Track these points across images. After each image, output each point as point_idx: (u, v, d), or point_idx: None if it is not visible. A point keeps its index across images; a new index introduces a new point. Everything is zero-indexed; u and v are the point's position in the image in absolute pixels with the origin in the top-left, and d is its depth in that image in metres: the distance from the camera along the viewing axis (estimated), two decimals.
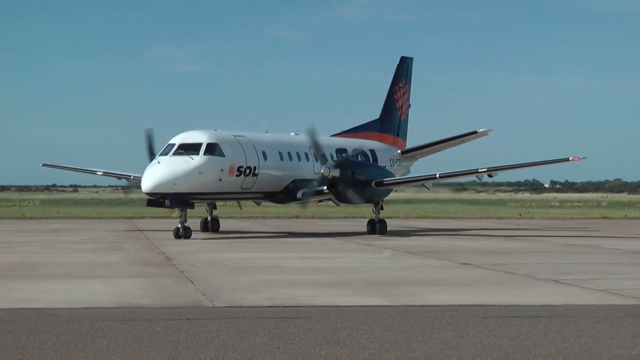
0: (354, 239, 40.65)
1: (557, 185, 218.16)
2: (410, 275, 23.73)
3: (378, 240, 39.67)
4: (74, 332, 13.89)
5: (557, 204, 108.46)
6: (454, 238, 41.81)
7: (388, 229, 43.96)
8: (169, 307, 17.12)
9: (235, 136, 41.82)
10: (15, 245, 34.92)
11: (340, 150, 46.03)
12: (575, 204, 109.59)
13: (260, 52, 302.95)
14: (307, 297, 18.79)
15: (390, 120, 54.72)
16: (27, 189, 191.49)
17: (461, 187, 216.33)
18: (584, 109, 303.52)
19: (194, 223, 42.58)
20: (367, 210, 49.10)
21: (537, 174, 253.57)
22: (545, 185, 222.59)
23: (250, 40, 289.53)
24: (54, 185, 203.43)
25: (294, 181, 43.22)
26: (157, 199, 38.69)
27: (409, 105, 56.29)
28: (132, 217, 61.13)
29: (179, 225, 38.59)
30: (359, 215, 60.12)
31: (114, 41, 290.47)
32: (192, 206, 40.15)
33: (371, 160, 48.74)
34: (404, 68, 55.87)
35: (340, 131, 51.83)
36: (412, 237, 42.08)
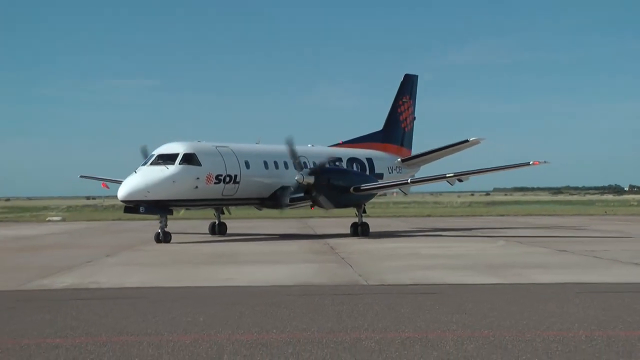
0: (476, 232, 40.25)
1: (635, 189, 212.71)
2: (520, 260, 23.36)
3: (495, 233, 39.12)
4: (264, 304, 14.13)
5: (635, 203, 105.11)
6: (553, 231, 40.95)
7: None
8: (334, 285, 17.24)
9: (217, 147, 35.61)
10: (218, 239, 35.55)
11: (332, 160, 39.74)
12: None
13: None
14: (440, 277, 18.66)
15: (394, 131, 48.05)
16: None
17: (557, 191, 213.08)
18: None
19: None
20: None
21: (618, 179, 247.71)
22: (625, 189, 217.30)
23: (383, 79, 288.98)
24: None
25: (281, 188, 36.66)
26: (133, 206, 32.59)
27: (414, 118, 49.89)
28: (303, 217, 61.37)
29: (159, 230, 32.70)
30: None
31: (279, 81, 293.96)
32: (170, 212, 33.74)
33: (367, 168, 43.19)
34: (407, 85, 49.37)
35: (339, 142, 45.25)
36: (520, 230, 41.25)
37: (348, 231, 37.57)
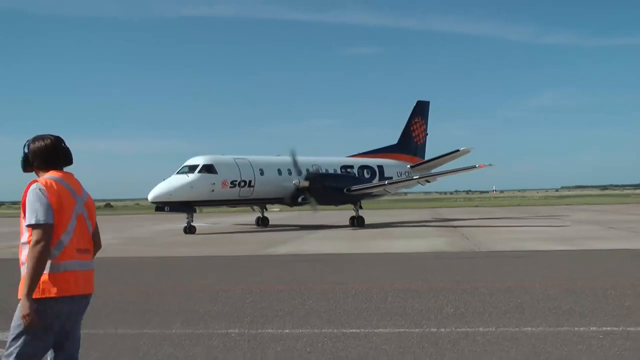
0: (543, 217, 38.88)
1: None
2: (582, 234, 22.59)
3: (562, 217, 37.66)
4: (412, 265, 14.44)
5: None
6: (602, 214, 39.07)
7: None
8: (457, 252, 17.31)
9: (235, 159, 30.65)
10: (416, 224, 34.23)
11: (345, 167, 35.10)
12: None
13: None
14: (529, 245, 18.44)
15: (407, 144, 40.39)
16: None
17: (604, 187, 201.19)
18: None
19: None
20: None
21: None
22: None
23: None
24: None
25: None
26: (161, 206, 28.44)
27: (427, 134, 42.25)
28: (434, 207, 60.41)
29: (186, 225, 28.38)
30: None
31: None
32: (193, 210, 29.02)
33: (377, 173, 36.51)
34: (419, 109, 41.75)
35: (357, 153, 38.62)
36: (582, 213, 39.63)
37: (347, 222, 32.72)
